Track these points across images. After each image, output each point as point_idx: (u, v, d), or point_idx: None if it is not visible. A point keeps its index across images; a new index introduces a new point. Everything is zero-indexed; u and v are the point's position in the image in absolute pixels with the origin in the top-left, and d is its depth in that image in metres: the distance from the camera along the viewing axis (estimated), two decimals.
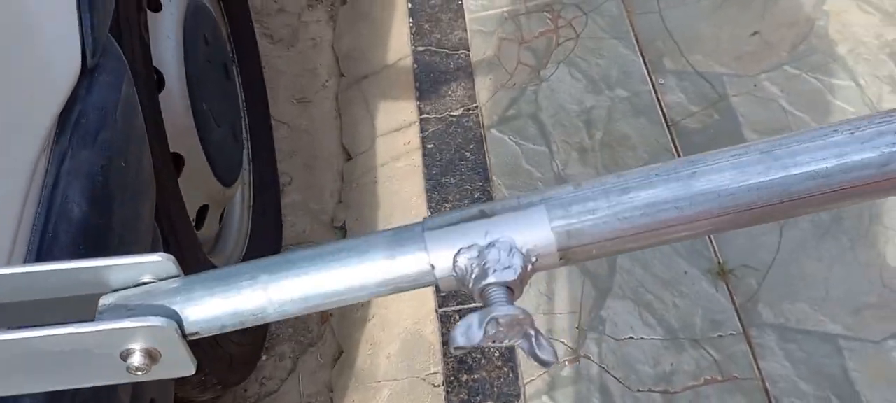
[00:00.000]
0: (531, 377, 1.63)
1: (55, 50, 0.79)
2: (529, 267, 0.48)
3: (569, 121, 2.00)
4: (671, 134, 1.91)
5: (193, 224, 1.46)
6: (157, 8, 1.39)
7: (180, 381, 1.23)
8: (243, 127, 1.87)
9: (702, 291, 1.66)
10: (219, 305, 0.50)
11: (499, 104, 2.08)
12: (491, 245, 0.48)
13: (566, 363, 1.63)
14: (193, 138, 1.41)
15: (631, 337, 1.64)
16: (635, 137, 1.93)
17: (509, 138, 2.01)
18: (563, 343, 1.66)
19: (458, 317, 1.74)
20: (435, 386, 1.66)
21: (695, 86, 1.98)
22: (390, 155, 2.07)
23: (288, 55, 2.43)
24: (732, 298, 1.64)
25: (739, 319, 1.61)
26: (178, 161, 1.38)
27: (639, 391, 1.59)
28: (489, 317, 0.46)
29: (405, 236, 0.50)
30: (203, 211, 1.52)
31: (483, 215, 0.49)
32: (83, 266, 0.53)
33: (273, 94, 2.30)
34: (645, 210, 0.47)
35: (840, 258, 1.64)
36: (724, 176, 0.47)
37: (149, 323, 0.49)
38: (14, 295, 0.54)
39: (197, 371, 1.23)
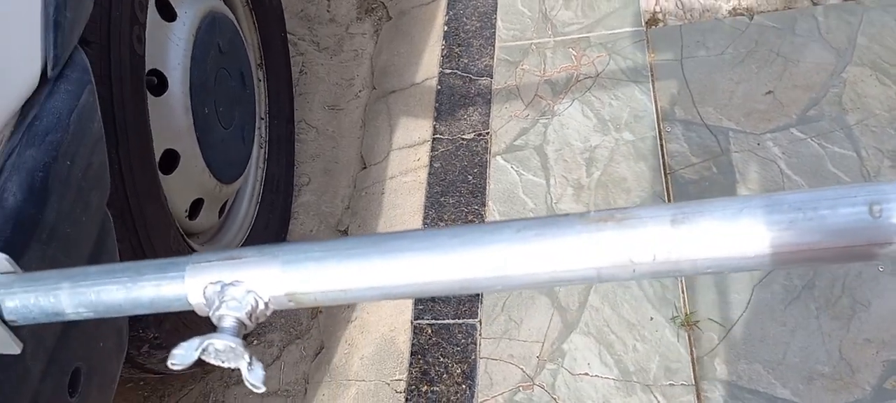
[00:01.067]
0: (486, 397, 1.71)
1: (14, 61, 0.95)
2: (260, 306, 0.59)
3: (571, 157, 2.07)
4: (667, 181, 1.95)
5: (186, 214, 1.62)
6: (172, 17, 1.55)
7: (144, 353, 1.37)
8: (262, 129, 2.02)
9: (663, 338, 1.70)
10: (29, 300, 0.63)
11: (509, 133, 2.16)
12: (232, 283, 0.59)
13: (520, 388, 1.70)
14: (191, 138, 1.56)
15: (586, 374, 1.70)
16: (631, 180, 1.97)
17: (512, 167, 2.09)
18: (521, 369, 1.73)
19: (430, 331, 1.84)
20: (397, 392, 1.77)
21: (700, 138, 2.01)
22: (400, 169, 2.18)
23: (330, 64, 2.58)
24: (691, 349, 1.68)
25: (694, 371, 1.65)
26: (173, 157, 1.54)
27: None
28: (206, 342, 0.57)
29: (172, 265, 0.61)
30: (199, 204, 1.67)
31: (233, 258, 0.60)
32: None
33: (309, 100, 2.46)
34: (358, 272, 0.57)
35: (804, 324, 1.65)
36: (419, 258, 0.56)
37: None
38: None
39: (160, 347, 1.36)
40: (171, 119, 1.51)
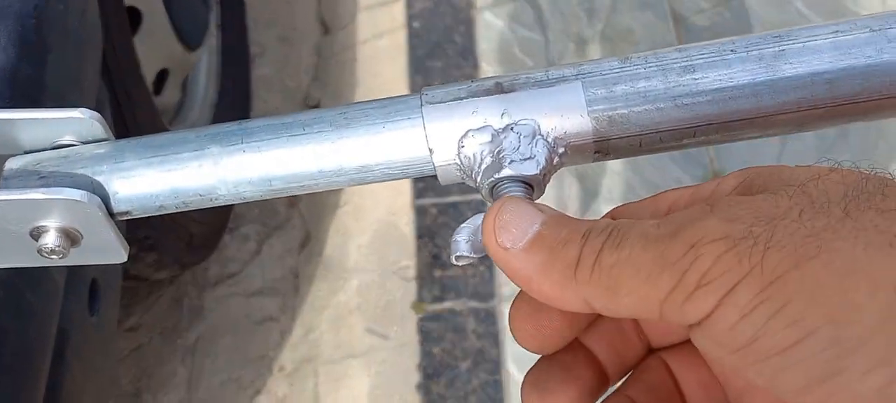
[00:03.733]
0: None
1: None
2: (556, 159, 0.38)
3: (569, 10, 1.87)
4: (677, 31, 1.79)
5: (152, 90, 1.33)
6: None
7: (131, 257, 1.12)
8: None
9: None
10: (156, 180, 0.39)
11: None
12: (509, 128, 0.38)
13: None
14: None
15: None
16: (639, 32, 1.80)
17: (503, 23, 1.87)
18: None
19: (435, 211, 1.65)
20: (406, 280, 1.59)
21: None
22: (372, 31, 1.93)
23: None
24: None
25: None
26: (134, 15, 1.24)
27: None
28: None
29: (398, 109, 0.39)
30: (163, 77, 1.38)
31: (499, 89, 0.38)
32: None
33: None
34: (713, 96, 0.36)
35: None
36: (822, 58, 0.36)
37: (63, 196, 0.38)
38: None
39: (151, 248, 1.10)
40: None
